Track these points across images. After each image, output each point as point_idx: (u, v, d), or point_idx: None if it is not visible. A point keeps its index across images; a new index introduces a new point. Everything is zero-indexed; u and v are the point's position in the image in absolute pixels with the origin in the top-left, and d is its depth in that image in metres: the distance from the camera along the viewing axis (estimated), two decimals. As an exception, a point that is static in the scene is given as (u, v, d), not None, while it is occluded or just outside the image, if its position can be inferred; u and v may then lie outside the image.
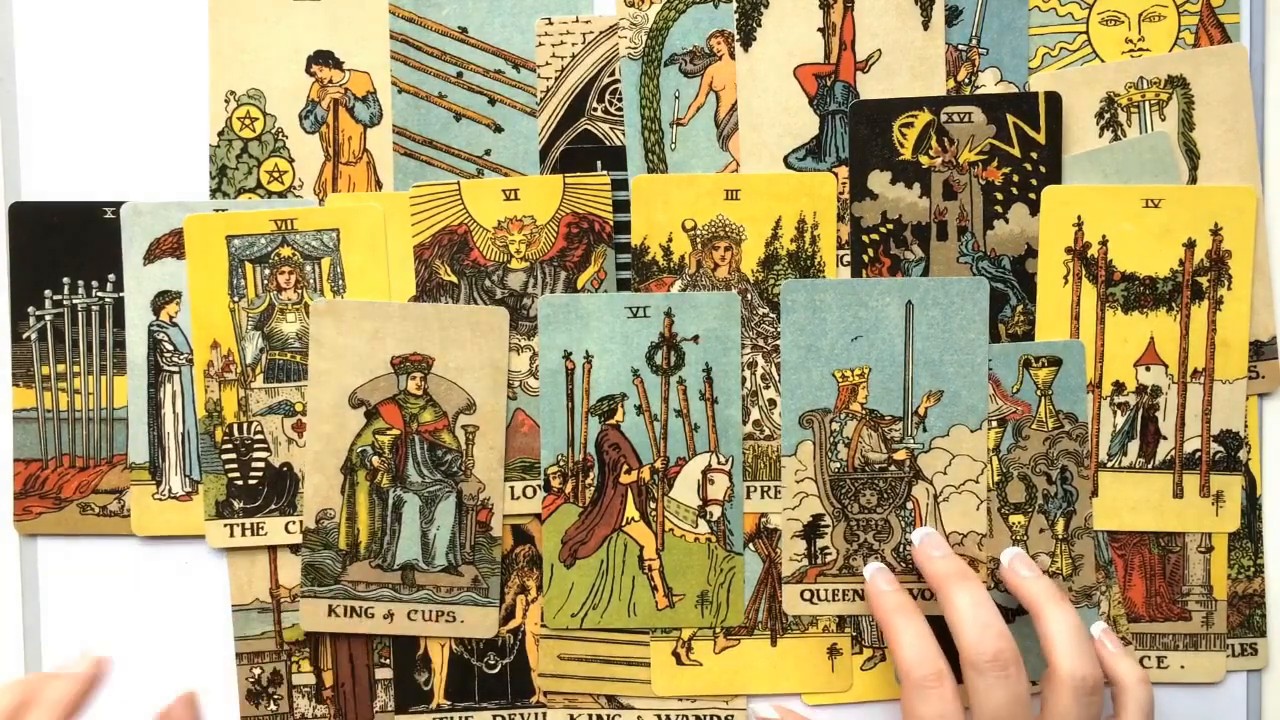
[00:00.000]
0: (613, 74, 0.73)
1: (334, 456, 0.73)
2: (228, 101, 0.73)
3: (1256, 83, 0.73)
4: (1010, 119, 0.72)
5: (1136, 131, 0.73)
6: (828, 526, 0.73)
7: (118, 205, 0.73)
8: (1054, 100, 0.72)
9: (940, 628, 0.73)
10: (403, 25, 0.74)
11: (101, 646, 0.75)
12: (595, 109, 0.74)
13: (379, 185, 0.74)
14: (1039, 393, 0.73)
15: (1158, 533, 0.74)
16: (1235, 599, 0.74)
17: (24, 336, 0.74)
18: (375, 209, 0.73)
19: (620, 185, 0.73)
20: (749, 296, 0.73)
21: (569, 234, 0.73)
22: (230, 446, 0.73)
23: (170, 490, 0.74)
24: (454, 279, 0.73)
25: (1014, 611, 0.73)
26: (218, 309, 0.73)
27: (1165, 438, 0.73)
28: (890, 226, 0.73)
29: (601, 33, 0.73)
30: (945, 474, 0.73)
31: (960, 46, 0.73)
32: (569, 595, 0.74)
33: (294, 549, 0.74)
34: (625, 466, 0.73)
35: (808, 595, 0.73)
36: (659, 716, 0.74)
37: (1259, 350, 0.74)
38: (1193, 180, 0.73)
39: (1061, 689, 0.62)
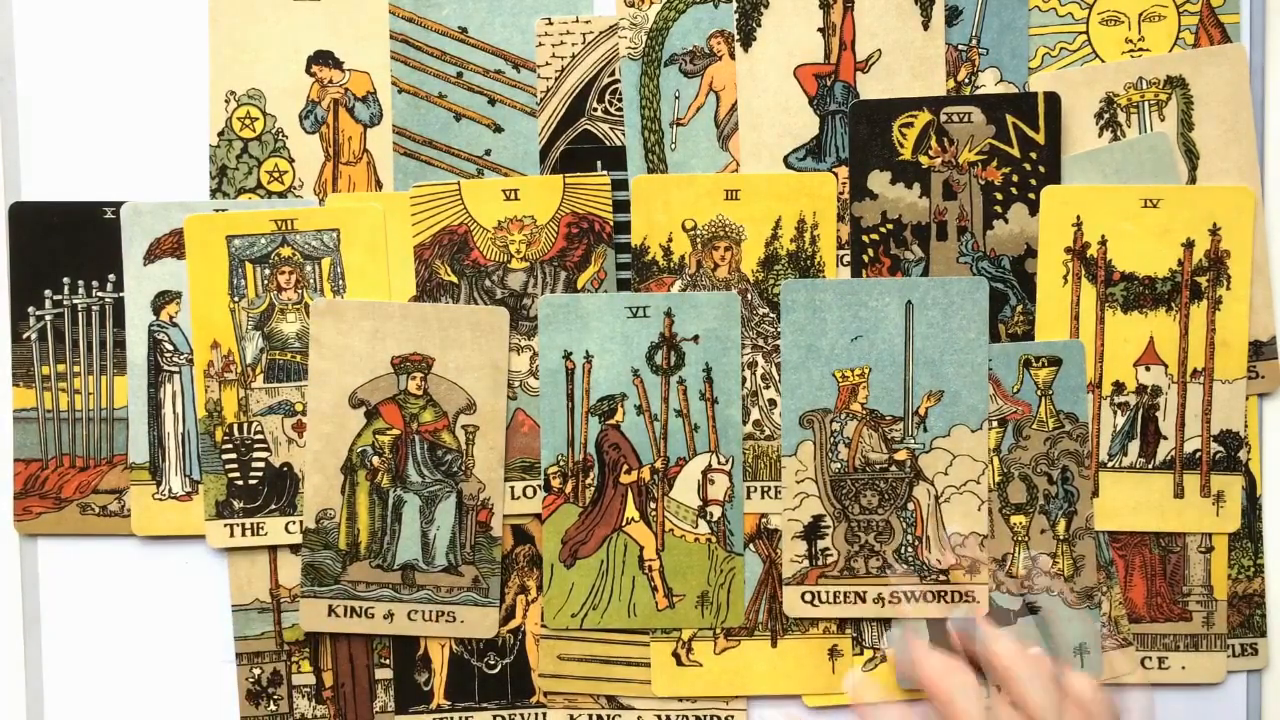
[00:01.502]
0: (613, 74, 0.73)
1: (334, 456, 0.73)
2: (228, 101, 0.74)
3: (1256, 83, 0.73)
4: (1010, 119, 0.72)
5: (1136, 131, 0.73)
6: (828, 527, 0.73)
7: (118, 205, 0.73)
8: (1053, 100, 0.72)
9: (946, 630, 0.73)
10: (403, 25, 0.74)
11: (101, 646, 0.75)
12: (595, 109, 0.74)
13: (379, 185, 0.74)
14: (1039, 393, 0.73)
15: (1158, 533, 0.74)
16: (1235, 599, 0.74)
17: (24, 336, 0.74)
18: (375, 209, 0.73)
19: (620, 185, 0.73)
20: (749, 296, 0.73)
21: (569, 234, 0.73)
22: (230, 446, 0.73)
23: (170, 490, 0.74)
24: (454, 279, 0.73)
25: (1014, 612, 0.73)
26: (218, 309, 0.73)
27: (1165, 438, 0.73)
28: (890, 226, 0.73)
29: (601, 33, 0.73)
30: (946, 474, 0.73)
31: (960, 46, 0.73)
32: (569, 595, 0.74)
33: (294, 549, 0.74)
34: (625, 466, 0.73)
35: (808, 597, 0.73)
36: (659, 717, 0.74)
37: (1259, 350, 0.74)
38: (1192, 180, 0.73)
39: None
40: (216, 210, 0.73)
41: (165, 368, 0.74)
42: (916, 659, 0.64)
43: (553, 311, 0.73)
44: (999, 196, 0.73)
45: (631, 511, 0.73)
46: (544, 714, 0.74)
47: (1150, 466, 0.73)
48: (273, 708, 0.75)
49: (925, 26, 0.73)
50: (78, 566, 0.75)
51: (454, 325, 0.73)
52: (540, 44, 0.73)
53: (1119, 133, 0.73)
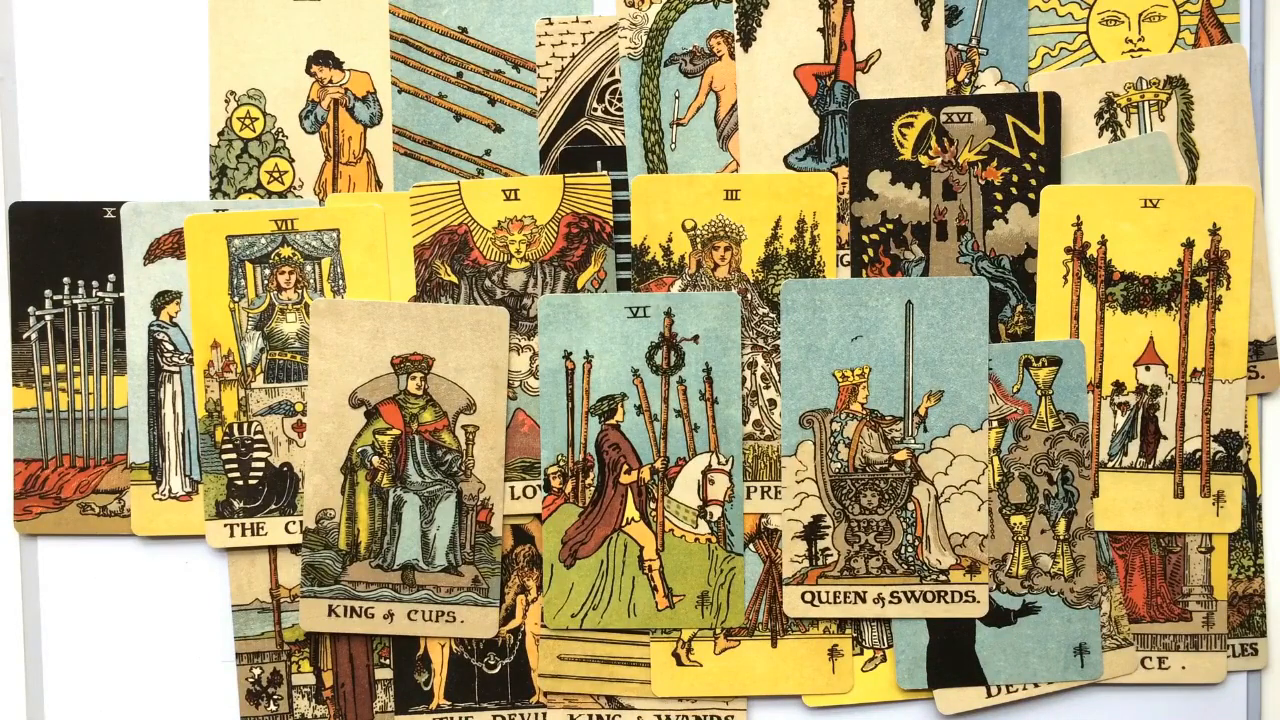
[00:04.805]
0: (613, 74, 0.73)
1: (334, 456, 0.73)
2: (228, 101, 0.74)
3: (1256, 83, 0.73)
4: (1010, 119, 0.72)
5: (1136, 132, 0.73)
6: (828, 527, 0.73)
7: (118, 205, 0.73)
8: (1053, 100, 0.72)
9: (947, 630, 0.73)
10: (403, 25, 0.74)
11: (101, 646, 0.75)
12: (595, 109, 0.74)
13: (379, 185, 0.74)
14: (1039, 393, 0.73)
15: (1158, 533, 0.74)
16: (1235, 599, 0.74)
17: (24, 336, 0.74)
18: (375, 209, 0.73)
19: (620, 185, 0.73)
20: (749, 296, 0.73)
21: (569, 234, 0.73)
22: (230, 446, 0.73)
23: (170, 490, 0.74)
24: (454, 279, 0.73)
25: (1015, 612, 0.73)
26: (218, 309, 0.73)
27: (1165, 438, 0.73)
28: (890, 226, 0.73)
29: (601, 33, 0.73)
30: (946, 474, 0.73)
31: (960, 46, 0.73)
32: (569, 595, 0.74)
33: (294, 549, 0.74)
34: (625, 466, 0.73)
35: (808, 597, 0.73)
36: (659, 717, 0.74)
37: (1259, 350, 0.74)
38: (1192, 180, 0.73)
39: None
40: (216, 210, 0.73)
41: (165, 368, 0.74)
42: None
43: (553, 311, 0.73)
44: (999, 196, 0.73)
45: (631, 511, 0.73)
46: (544, 714, 0.74)
47: (1150, 466, 0.73)
48: (273, 708, 0.75)
49: (925, 26, 0.73)
50: (78, 566, 0.75)
51: (454, 325, 0.73)
52: (540, 44, 0.73)
53: (1119, 133, 0.73)
